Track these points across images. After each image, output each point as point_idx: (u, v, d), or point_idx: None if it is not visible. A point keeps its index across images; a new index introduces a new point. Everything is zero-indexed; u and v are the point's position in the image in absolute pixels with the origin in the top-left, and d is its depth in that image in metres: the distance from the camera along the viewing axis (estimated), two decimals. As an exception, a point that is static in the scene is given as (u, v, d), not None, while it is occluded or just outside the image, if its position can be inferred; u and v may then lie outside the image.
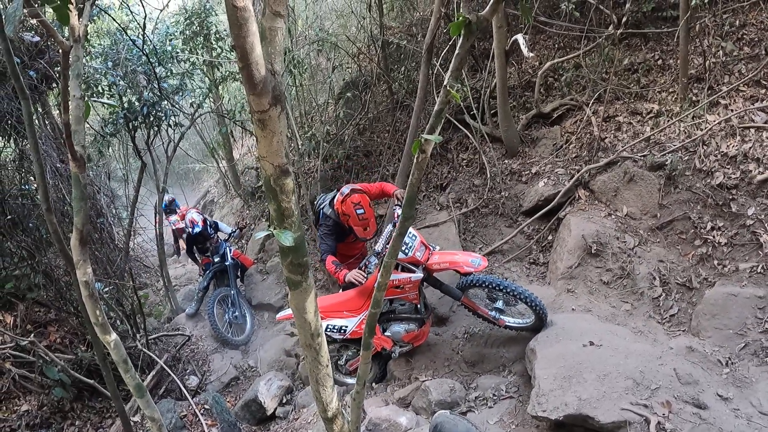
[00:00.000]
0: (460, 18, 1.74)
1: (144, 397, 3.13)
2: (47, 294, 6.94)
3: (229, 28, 1.49)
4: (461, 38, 1.78)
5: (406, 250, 5.67)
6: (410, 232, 5.82)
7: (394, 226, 5.83)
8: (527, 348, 5.43)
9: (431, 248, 5.80)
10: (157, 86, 8.76)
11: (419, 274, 5.65)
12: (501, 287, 5.59)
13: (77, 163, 2.54)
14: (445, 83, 1.82)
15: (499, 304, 5.87)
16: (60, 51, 2.20)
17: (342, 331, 6.09)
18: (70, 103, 2.44)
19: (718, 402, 4.30)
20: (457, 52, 1.81)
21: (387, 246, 5.72)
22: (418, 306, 6.06)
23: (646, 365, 4.56)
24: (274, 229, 1.78)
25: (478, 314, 6.06)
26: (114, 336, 2.93)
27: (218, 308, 8.98)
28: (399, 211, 5.96)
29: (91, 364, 6.39)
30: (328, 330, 6.11)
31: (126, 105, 8.72)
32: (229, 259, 9.52)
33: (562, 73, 8.23)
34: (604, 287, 6.24)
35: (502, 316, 5.91)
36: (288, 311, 6.46)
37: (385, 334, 6.10)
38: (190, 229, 9.74)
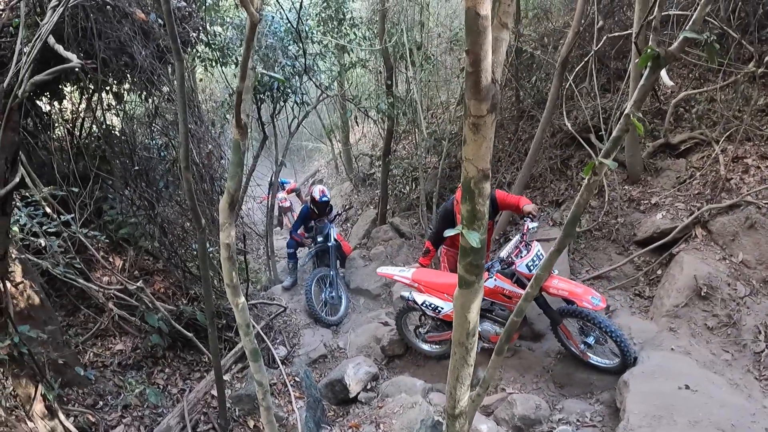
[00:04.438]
0: (649, 51, 1.77)
1: (258, 362, 3.26)
2: (158, 245, 7.26)
3: (465, 34, 1.54)
4: (647, 70, 1.81)
5: (533, 268, 5.84)
6: (540, 252, 5.96)
7: (522, 236, 6.12)
8: (620, 380, 5.40)
9: (552, 271, 5.85)
10: (290, 64, 8.99)
11: None
12: (599, 324, 5.70)
13: (241, 130, 2.66)
14: (626, 111, 1.85)
15: (590, 339, 5.96)
16: (249, 22, 2.32)
17: (437, 311, 6.46)
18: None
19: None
20: (641, 83, 1.84)
21: (511, 254, 6.04)
22: None
23: (739, 420, 4.48)
24: (464, 228, 1.84)
25: (565, 345, 6.22)
26: (242, 299, 3.06)
27: (316, 286, 9.19)
28: (530, 224, 6.15)
29: (190, 318, 6.65)
30: (424, 305, 6.52)
31: (258, 78, 8.97)
32: (333, 240, 9.70)
33: (695, 105, 7.99)
34: (708, 332, 6.08)
35: (588, 352, 6.03)
36: (390, 270, 7.12)
37: None
38: (318, 196, 9.98)
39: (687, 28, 1.76)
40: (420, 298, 6.64)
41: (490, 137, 1.71)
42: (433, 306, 6.51)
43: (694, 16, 1.77)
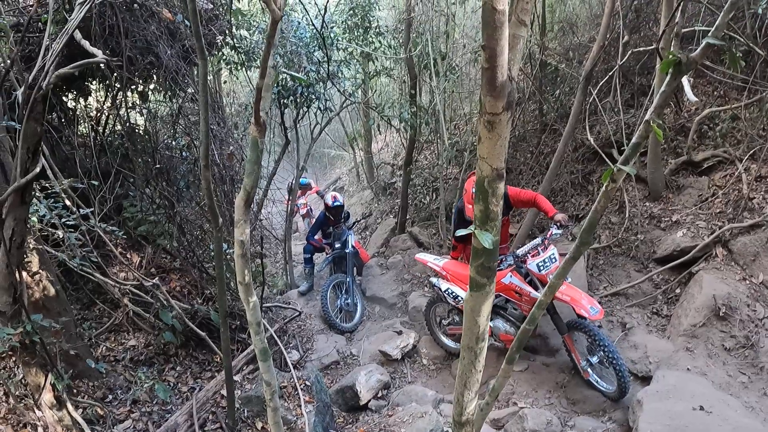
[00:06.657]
0: (671, 57, 1.74)
1: (267, 362, 3.25)
2: (176, 244, 7.30)
3: (482, 29, 1.54)
4: (668, 76, 1.78)
5: (543, 269, 6.00)
6: (554, 255, 6.03)
7: (544, 240, 6.22)
8: (634, 399, 5.35)
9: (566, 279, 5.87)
10: (315, 69, 9.02)
11: (539, 294, 5.74)
12: (604, 346, 5.70)
13: (259, 128, 2.67)
14: (646, 118, 1.83)
15: (594, 359, 5.95)
16: (270, 19, 2.32)
17: (456, 299, 6.73)
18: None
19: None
20: (662, 89, 1.81)
21: (528, 253, 6.18)
22: None
23: (753, 443, 4.41)
24: (476, 229, 1.83)
25: (571, 357, 6.25)
26: (254, 298, 3.06)
27: (332, 292, 9.18)
28: (555, 230, 6.19)
29: (204, 317, 6.68)
30: (447, 292, 6.81)
31: (282, 82, 9.02)
32: (350, 247, 9.71)
33: (718, 122, 7.90)
34: (725, 353, 6.00)
35: (589, 369, 6.03)
36: (426, 256, 7.62)
37: None
38: (331, 202, 10.08)
39: (710, 35, 1.73)
40: (444, 285, 6.92)
41: (505, 135, 1.70)
42: (454, 294, 6.74)
43: (717, 23, 1.74)
